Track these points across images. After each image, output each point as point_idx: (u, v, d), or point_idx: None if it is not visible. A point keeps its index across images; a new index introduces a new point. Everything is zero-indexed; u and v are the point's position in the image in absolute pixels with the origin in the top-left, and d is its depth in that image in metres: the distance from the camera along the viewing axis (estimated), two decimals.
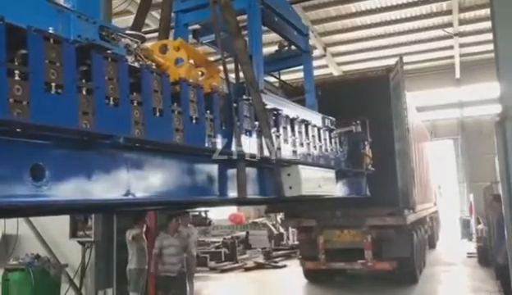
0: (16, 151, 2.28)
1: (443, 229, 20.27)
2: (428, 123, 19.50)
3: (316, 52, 17.27)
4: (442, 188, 19.62)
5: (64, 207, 3.25)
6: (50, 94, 2.43)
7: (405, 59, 18.94)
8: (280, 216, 13.83)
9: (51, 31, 2.50)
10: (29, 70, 2.34)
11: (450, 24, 16.68)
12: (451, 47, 18.87)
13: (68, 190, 2.49)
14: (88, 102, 2.62)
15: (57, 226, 7.92)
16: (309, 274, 10.82)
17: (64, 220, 7.81)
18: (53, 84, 2.44)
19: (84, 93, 2.61)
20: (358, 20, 16.45)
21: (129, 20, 13.73)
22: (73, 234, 8.01)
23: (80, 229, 7.97)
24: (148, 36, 6.49)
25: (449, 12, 15.79)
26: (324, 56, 18.68)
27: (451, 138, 22.56)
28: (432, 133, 19.67)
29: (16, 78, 2.29)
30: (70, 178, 2.52)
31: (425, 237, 12.83)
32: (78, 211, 5.57)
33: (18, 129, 2.26)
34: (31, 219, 8.10)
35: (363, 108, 8.34)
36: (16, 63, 2.33)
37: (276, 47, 7.75)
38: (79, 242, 8.04)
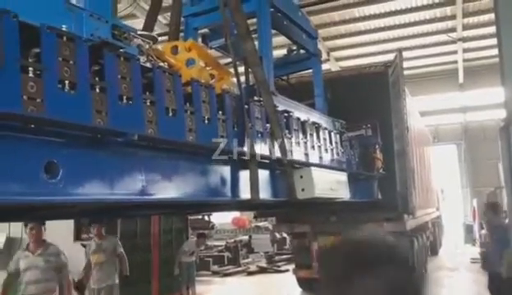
0: (31, 148, 2.23)
1: (446, 235, 20.18)
2: (432, 128, 19.45)
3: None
4: (445, 193, 19.53)
5: (77, 209, 3.20)
6: (64, 92, 2.39)
7: (409, 64, 19.18)
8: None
9: (64, 29, 2.46)
10: (42, 67, 2.30)
11: (453, 30, 16.67)
12: (455, 52, 18.85)
13: (82, 188, 2.44)
14: (101, 100, 2.57)
15: (61, 229, 7.88)
16: (303, 284, 10.18)
17: (68, 223, 7.79)
18: (67, 82, 2.40)
19: (97, 91, 2.57)
20: (362, 25, 16.44)
21: (134, 23, 13.76)
22: (77, 237, 7.98)
23: (85, 232, 7.94)
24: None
25: (453, 17, 15.78)
26: (328, 60, 18.66)
27: (455, 142, 22.51)
28: (435, 137, 19.61)
29: (30, 75, 2.25)
30: (84, 175, 2.47)
31: (427, 243, 12.41)
32: (90, 214, 5.51)
33: (32, 125, 2.21)
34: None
35: (361, 106, 7.96)
36: (31, 60, 2.29)
37: (284, 50, 7.68)
38: (82, 245, 7.99)
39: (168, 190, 2.96)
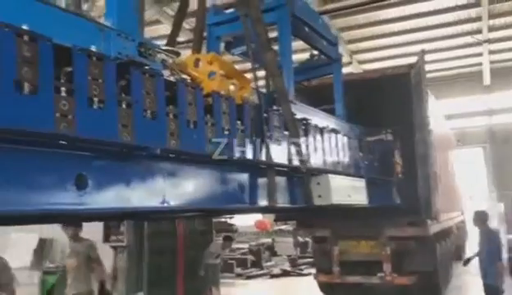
0: (62, 161, 2.42)
1: (472, 239, 19.82)
2: (457, 131, 19.19)
3: (342, 60, 17.24)
4: (472, 197, 19.21)
5: (105, 214, 3.40)
6: (93, 109, 2.57)
7: (434, 66, 19.02)
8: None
9: (93, 49, 2.65)
10: (74, 86, 2.49)
11: (479, 31, 16.44)
12: (480, 54, 18.57)
13: (108, 198, 2.63)
14: (127, 115, 2.75)
15: (91, 231, 8.15)
16: (324, 288, 10.05)
17: (97, 225, 8.05)
18: (96, 99, 2.58)
19: (123, 106, 2.75)
20: (386, 28, 16.37)
21: (158, 29, 14.08)
22: (106, 239, 8.24)
23: (113, 233, 8.18)
24: (180, 46, 6.70)
25: (478, 19, 15.57)
26: (350, 63, 18.63)
27: (480, 145, 22.11)
28: (461, 141, 19.33)
29: (63, 94, 2.44)
30: (111, 187, 2.66)
31: (451, 248, 12.07)
32: (115, 218, 5.75)
33: (64, 142, 2.41)
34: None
35: (382, 108, 7.95)
36: (62, 80, 2.48)
37: (306, 54, 7.80)
38: (111, 246, 8.26)
39: (188, 198, 3.13)
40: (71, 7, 2.96)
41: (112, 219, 6.10)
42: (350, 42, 17.57)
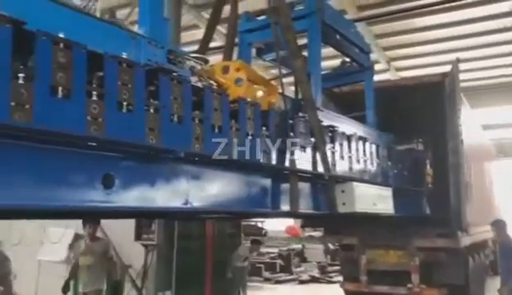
0: (91, 161, 2.58)
1: None
2: (498, 141, 18.63)
3: (379, 66, 17.08)
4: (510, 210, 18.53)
5: (130, 213, 3.57)
6: (122, 112, 2.72)
7: (472, 75, 18.54)
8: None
9: (124, 56, 2.80)
10: (104, 91, 2.64)
11: None
12: None
13: (134, 197, 2.77)
14: (154, 119, 2.89)
15: (124, 229, 8.43)
16: None
17: (130, 224, 8.31)
18: (125, 104, 2.73)
19: (151, 111, 2.90)
20: (423, 35, 16.12)
21: (196, 34, 14.36)
22: (137, 237, 8.48)
23: (145, 232, 8.42)
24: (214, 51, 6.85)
25: None
26: (388, 70, 18.43)
27: None
28: (501, 152, 18.75)
29: (94, 98, 2.60)
30: (136, 186, 2.80)
31: (485, 262, 11.58)
32: (141, 216, 5.96)
33: (93, 143, 2.57)
34: (100, 220, 8.66)
35: (415, 117, 7.85)
36: (94, 84, 2.64)
37: (337, 60, 7.83)
38: (142, 244, 8.50)
39: (210, 200, 3.25)
40: (106, 17, 3.12)
41: (136, 217, 6.30)
42: (387, 49, 17.38)
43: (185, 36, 13.12)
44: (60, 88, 2.40)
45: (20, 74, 2.26)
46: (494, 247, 10.24)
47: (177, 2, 10.07)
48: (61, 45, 2.44)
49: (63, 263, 8.62)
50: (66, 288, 6.81)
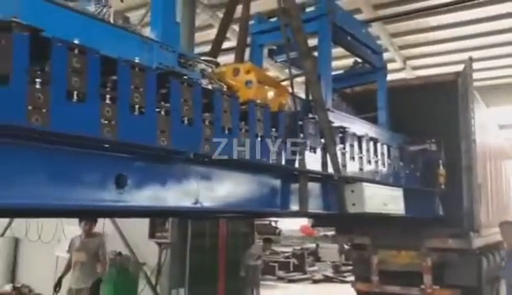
0: (104, 162, 2.68)
1: None
2: None
3: (395, 65, 17.00)
4: None
5: (141, 212, 3.67)
6: (134, 115, 2.82)
7: (488, 74, 18.32)
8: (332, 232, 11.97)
9: (137, 60, 2.90)
10: (117, 94, 2.74)
11: None
12: None
13: (145, 197, 2.87)
14: (165, 121, 2.98)
15: (138, 227, 8.60)
16: None
17: (144, 222, 8.48)
18: (137, 106, 2.83)
19: (162, 113, 2.99)
20: (438, 34, 15.98)
21: (211, 33, 14.46)
22: (152, 235, 8.65)
23: (159, 230, 8.57)
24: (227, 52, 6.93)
25: None
26: (403, 69, 18.31)
27: None
28: None
29: (107, 101, 2.70)
30: (148, 186, 2.90)
31: (500, 263, 11.77)
32: (153, 215, 6.09)
33: (107, 145, 2.67)
34: (116, 219, 8.84)
35: (428, 116, 7.79)
36: (108, 88, 2.74)
37: (348, 60, 7.83)
38: (156, 242, 8.66)
39: (220, 200, 3.33)
40: (120, 22, 3.22)
41: (147, 216, 6.43)
42: (403, 47, 17.27)
43: (200, 36, 13.24)
44: (75, 93, 2.51)
45: (37, 79, 2.37)
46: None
47: (192, 2, 10.19)
48: (76, 51, 2.54)
49: None
50: (58, 285, 6.84)
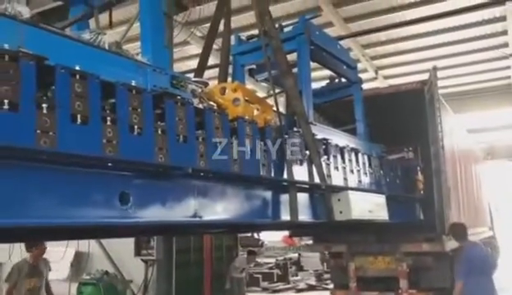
0: (108, 180, 2.81)
1: (504, 255, 19.45)
2: (485, 145, 19.06)
3: (368, 75, 17.49)
4: (502, 212, 18.91)
5: (143, 228, 3.79)
6: (133, 134, 2.96)
7: (460, 80, 19.02)
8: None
9: (133, 84, 3.05)
10: (117, 116, 2.88)
11: (505, 45, 16.43)
12: (508, 68, 18.49)
13: (147, 212, 3.01)
14: (162, 139, 3.14)
15: (123, 245, 8.63)
16: None
17: (129, 240, 8.51)
18: (135, 127, 2.97)
19: (159, 132, 3.14)
20: (409, 44, 16.55)
21: (189, 49, 14.61)
22: (137, 253, 8.67)
23: (144, 248, 8.61)
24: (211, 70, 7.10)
25: (504, 33, 15.59)
26: (376, 78, 18.83)
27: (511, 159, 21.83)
28: (489, 154, 19.17)
29: (108, 123, 2.84)
30: (150, 202, 3.04)
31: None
32: (155, 233, 6.17)
33: (110, 164, 2.80)
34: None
35: (401, 125, 7.99)
36: (107, 111, 2.88)
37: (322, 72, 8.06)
38: (142, 260, 8.69)
39: (217, 212, 3.49)
40: (114, 48, 3.37)
41: (150, 233, 6.49)
42: (375, 58, 17.79)
43: (178, 52, 13.37)
44: (79, 116, 2.64)
45: (44, 104, 2.50)
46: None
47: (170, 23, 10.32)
48: (78, 76, 2.69)
49: (66, 281, 8.79)
50: None
